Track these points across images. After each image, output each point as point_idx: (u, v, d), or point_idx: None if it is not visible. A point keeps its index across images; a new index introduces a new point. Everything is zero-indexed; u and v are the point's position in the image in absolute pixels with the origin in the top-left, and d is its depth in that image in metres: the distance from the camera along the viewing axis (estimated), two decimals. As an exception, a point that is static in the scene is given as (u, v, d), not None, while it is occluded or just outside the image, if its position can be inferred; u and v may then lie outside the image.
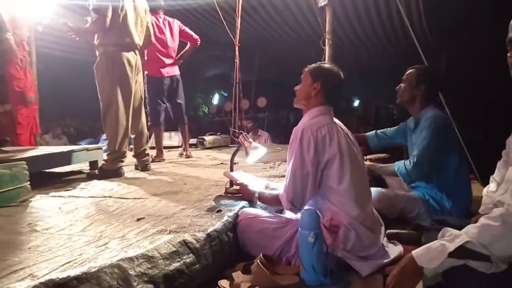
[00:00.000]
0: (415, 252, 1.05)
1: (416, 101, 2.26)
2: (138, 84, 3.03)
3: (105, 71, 2.80)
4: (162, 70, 3.88)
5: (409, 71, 2.30)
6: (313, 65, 1.84)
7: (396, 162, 2.25)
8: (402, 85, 2.30)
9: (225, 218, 1.73)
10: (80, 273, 1.08)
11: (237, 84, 5.14)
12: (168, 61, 3.92)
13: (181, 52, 4.06)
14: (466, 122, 3.64)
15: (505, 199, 1.09)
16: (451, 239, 1.01)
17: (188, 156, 4.12)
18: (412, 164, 2.14)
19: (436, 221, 1.69)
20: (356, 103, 12.96)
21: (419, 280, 1.07)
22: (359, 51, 7.49)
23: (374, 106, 11.29)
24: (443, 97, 3.01)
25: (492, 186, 1.46)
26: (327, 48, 4.14)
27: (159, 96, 3.90)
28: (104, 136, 4.05)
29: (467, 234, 0.99)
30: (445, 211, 2.11)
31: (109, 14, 2.71)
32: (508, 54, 1.05)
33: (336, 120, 1.80)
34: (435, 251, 1.01)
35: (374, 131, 2.71)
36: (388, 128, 2.65)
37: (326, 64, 1.86)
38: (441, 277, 1.06)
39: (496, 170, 1.50)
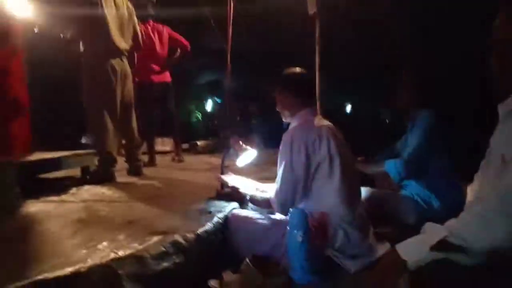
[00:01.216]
0: (399, 246, 1.08)
1: (414, 103, 2.29)
2: (126, 90, 3.05)
3: (89, 79, 2.82)
4: (151, 76, 3.91)
5: (404, 75, 2.34)
6: (278, 79, 1.91)
7: (386, 161, 2.27)
8: (400, 89, 2.34)
9: (215, 219, 1.75)
10: (69, 273, 1.08)
11: (229, 91, 5.17)
12: (157, 67, 3.95)
13: (172, 58, 4.09)
14: (460, 125, 3.65)
15: (484, 195, 1.12)
16: (432, 233, 1.04)
17: (180, 161, 4.12)
18: (402, 162, 2.17)
19: (423, 219, 1.71)
20: (348, 108, 13.06)
21: (402, 274, 1.09)
22: (351, 57, 7.56)
23: (366, 111, 11.37)
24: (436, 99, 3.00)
25: (475, 184, 1.49)
26: (317, 55, 4.19)
27: (149, 103, 3.92)
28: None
29: (448, 228, 1.02)
30: (433, 211, 2.13)
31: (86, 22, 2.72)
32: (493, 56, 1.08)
33: (325, 121, 1.83)
34: (418, 245, 1.04)
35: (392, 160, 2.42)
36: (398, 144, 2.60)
37: (288, 70, 1.91)
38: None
39: (480, 168, 1.53)
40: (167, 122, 4.15)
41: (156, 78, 3.94)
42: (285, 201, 1.71)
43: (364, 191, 2.17)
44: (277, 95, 1.91)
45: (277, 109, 1.94)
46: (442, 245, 1.00)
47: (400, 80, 2.36)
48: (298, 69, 1.91)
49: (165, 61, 4.05)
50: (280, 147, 1.75)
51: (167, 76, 4.07)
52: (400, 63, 3.72)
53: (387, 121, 10.69)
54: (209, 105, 11.94)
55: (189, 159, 4.38)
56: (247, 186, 2.15)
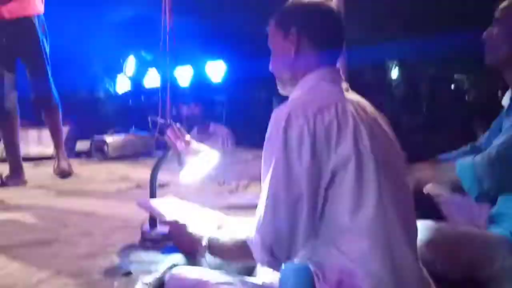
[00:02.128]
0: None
1: None
2: None
3: None
4: None
5: (505, 6, 2.36)
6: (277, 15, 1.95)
7: (460, 160, 2.28)
8: (495, 30, 2.37)
9: (138, 287, 1.74)
10: None
11: (168, 36, 5.16)
12: None
13: None
14: None
15: None
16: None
17: (63, 174, 4.10)
18: (487, 160, 2.18)
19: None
20: (394, 73, 13.22)
21: None
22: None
23: (426, 77, 11.57)
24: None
25: None
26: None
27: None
28: None
29: None
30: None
31: None
32: None
33: (352, 94, 1.84)
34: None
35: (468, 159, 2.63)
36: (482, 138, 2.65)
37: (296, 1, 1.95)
38: None
39: None
40: (36, 95, 4.17)
41: (6, 12, 3.93)
42: (275, 242, 1.69)
43: (423, 228, 2.20)
44: (273, 42, 1.93)
45: (271, 70, 1.96)
46: None
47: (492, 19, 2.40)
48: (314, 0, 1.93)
49: None
50: (266, 137, 1.74)
51: (28, 7, 4.05)
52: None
53: (467, 97, 10.90)
54: (130, 67, 11.84)
55: (89, 170, 4.37)
56: (201, 220, 2.15)
